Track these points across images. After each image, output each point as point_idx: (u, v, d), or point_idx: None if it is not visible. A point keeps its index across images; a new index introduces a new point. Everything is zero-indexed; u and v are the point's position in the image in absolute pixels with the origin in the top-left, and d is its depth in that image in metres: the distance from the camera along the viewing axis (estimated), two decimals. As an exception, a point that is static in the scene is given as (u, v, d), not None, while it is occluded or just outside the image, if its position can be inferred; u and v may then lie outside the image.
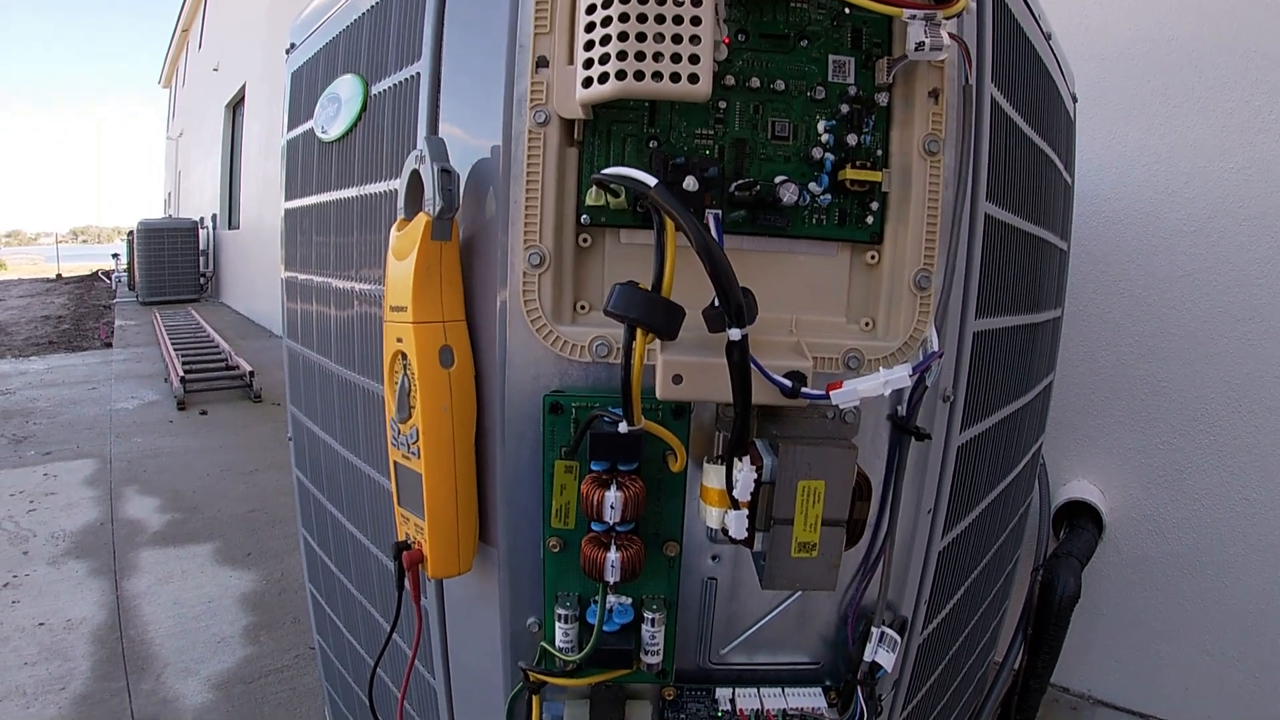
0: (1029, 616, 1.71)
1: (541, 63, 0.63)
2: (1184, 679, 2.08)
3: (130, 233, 12.47)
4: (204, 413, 4.94)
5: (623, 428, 0.56)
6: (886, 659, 0.74)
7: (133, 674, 2.13)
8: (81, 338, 8.36)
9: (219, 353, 6.33)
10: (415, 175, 0.70)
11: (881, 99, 0.66)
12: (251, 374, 5.41)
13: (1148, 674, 2.13)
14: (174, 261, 11.63)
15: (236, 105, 11.83)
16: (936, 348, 0.61)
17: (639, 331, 0.51)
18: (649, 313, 0.51)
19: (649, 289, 0.52)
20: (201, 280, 12.20)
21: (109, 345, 7.71)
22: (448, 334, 0.68)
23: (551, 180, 0.63)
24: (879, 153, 0.67)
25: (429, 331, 0.67)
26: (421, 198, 0.69)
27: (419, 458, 0.68)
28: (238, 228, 11.47)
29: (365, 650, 1.20)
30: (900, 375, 0.56)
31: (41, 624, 2.33)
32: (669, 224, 0.51)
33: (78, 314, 10.86)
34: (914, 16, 0.59)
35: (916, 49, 0.59)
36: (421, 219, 0.67)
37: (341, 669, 1.39)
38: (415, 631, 0.81)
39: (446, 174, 0.67)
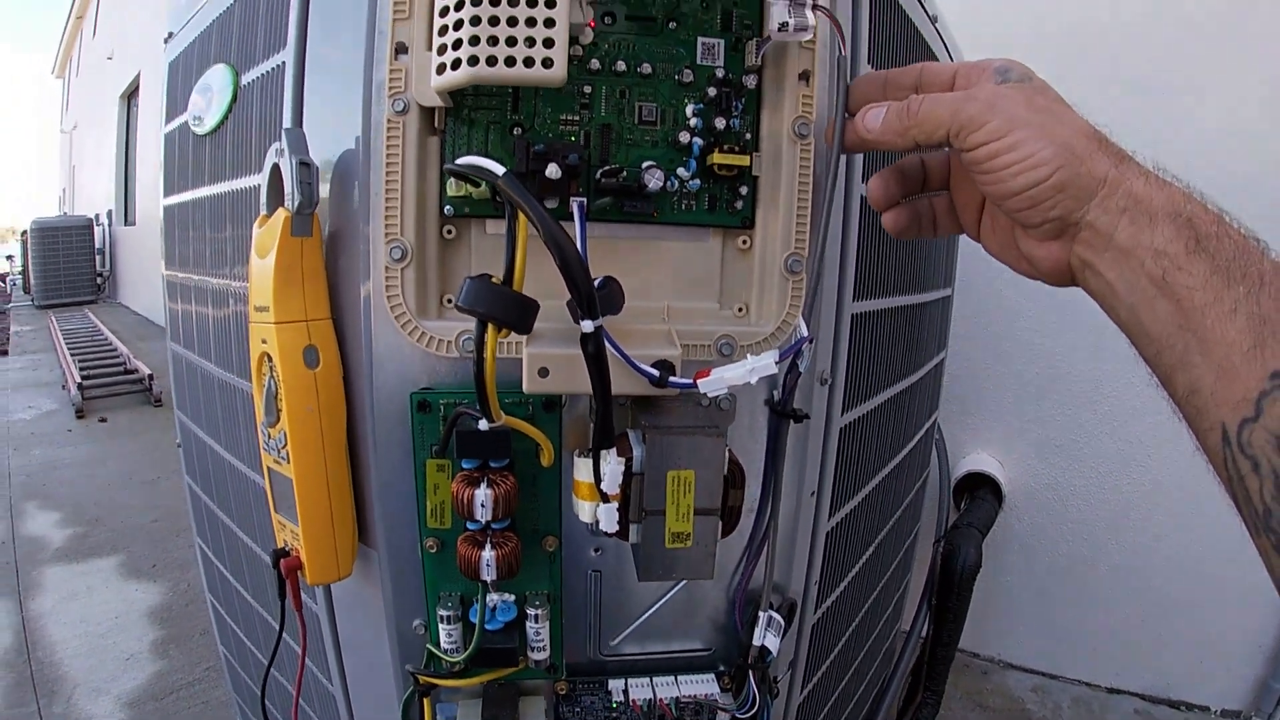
0: (933, 587, 1.76)
1: (400, 49, 0.61)
2: (1089, 640, 2.17)
3: (24, 233, 11.85)
4: (103, 420, 4.76)
5: (483, 425, 0.55)
6: (774, 642, 0.74)
7: (43, 697, 2.07)
8: (-25, 347, 7.94)
9: (117, 357, 6.10)
10: (276, 169, 0.67)
11: (750, 81, 0.66)
12: (150, 377, 5.24)
13: (1055, 636, 2.22)
14: (69, 261, 11.10)
15: (131, 96, 11.34)
16: (805, 333, 0.61)
17: (490, 326, 0.50)
18: (499, 307, 0.49)
19: (502, 281, 0.51)
20: (98, 280, 11.67)
21: (4, 353, 7.35)
22: (312, 333, 0.65)
23: (412, 170, 0.61)
24: (748, 136, 0.66)
25: (292, 331, 0.64)
26: (283, 192, 0.66)
27: (289, 462, 0.66)
28: (134, 224, 11.01)
29: (265, 657, 1.17)
30: (766, 362, 0.56)
31: (-52, 651, 2.24)
32: (520, 214, 0.50)
33: (-29, 321, 10.29)
34: (780, -5, 0.58)
35: (779, 29, 0.58)
36: (281, 214, 0.64)
37: (246, 677, 1.35)
38: (300, 641, 0.78)
39: (305, 167, 0.64)
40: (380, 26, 0.62)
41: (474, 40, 0.51)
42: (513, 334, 0.53)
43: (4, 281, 15.94)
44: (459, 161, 0.53)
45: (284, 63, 0.77)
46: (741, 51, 0.66)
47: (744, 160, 0.64)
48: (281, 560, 0.70)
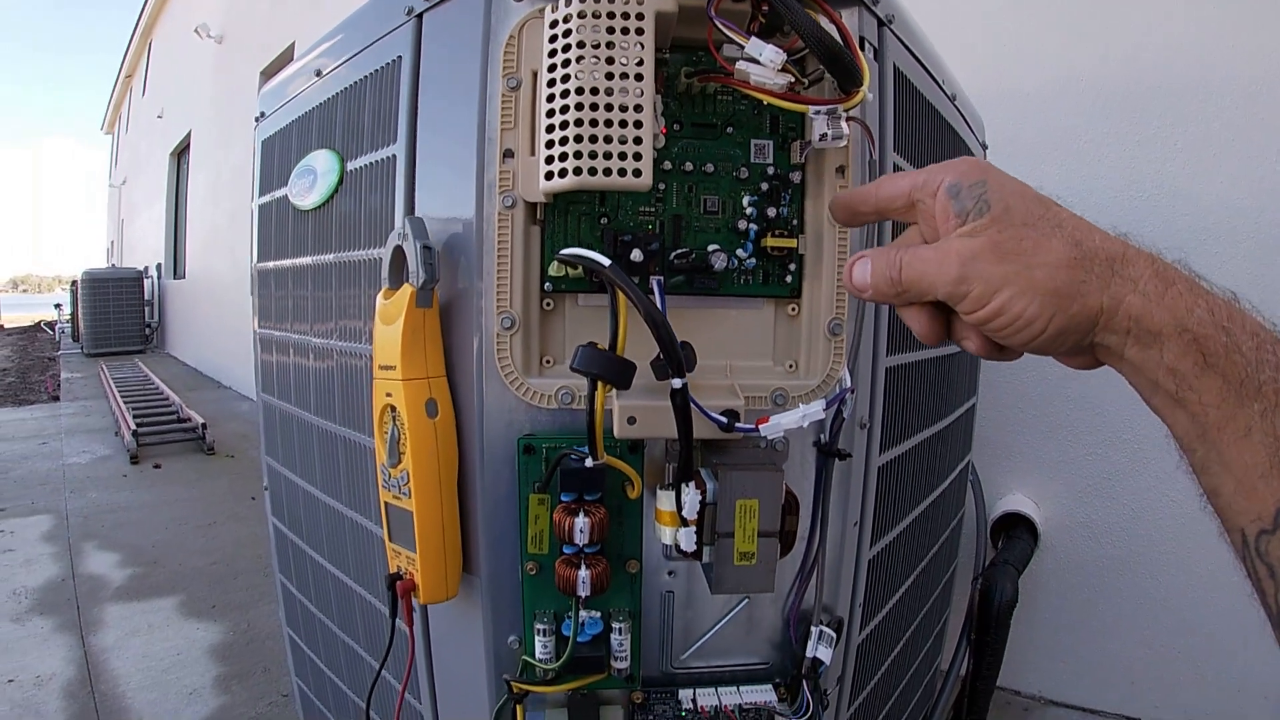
0: (971, 623, 1.83)
1: (508, 154, 0.74)
2: (1128, 673, 2.20)
3: (74, 282, 12.30)
4: (158, 466, 4.90)
5: (588, 463, 0.67)
6: (825, 654, 0.85)
7: (108, 728, 2.14)
8: (28, 391, 8.23)
9: (169, 405, 6.28)
10: (398, 250, 0.80)
11: (795, 177, 0.78)
12: (204, 426, 5.38)
13: (1093, 671, 2.25)
14: (119, 312, 11.48)
15: (181, 153, 11.79)
16: (848, 384, 0.73)
17: (599, 384, 0.63)
18: (607, 368, 0.63)
19: (607, 348, 0.63)
20: (146, 331, 12.05)
21: (56, 399, 7.61)
22: (432, 388, 0.78)
23: (519, 254, 0.74)
24: (794, 222, 0.78)
25: (416, 387, 0.77)
26: (404, 269, 0.79)
27: (410, 498, 0.78)
28: (183, 277, 11.38)
29: (347, 686, 1.27)
30: (815, 409, 0.68)
31: (11, 680, 2.35)
32: (621, 296, 0.62)
33: (22, 366, 10.65)
34: (818, 112, 0.70)
35: (820, 139, 0.71)
36: (406, 289, 0.77)
37: (321, 707, 1.45)
38: (409, 654, 0.90)
39: (428, 250, 0.77)
40: (490, 135, 0.76)
41: (578, 154, 0.64)
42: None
43: (52, 329, 16.44)
44: (570, 252, 0.67)
45: (394, 155, 0.90)
46: (788, 150, 0.79)
47: (792, 243, 0.77)
48: (397, 583, 0.82)
